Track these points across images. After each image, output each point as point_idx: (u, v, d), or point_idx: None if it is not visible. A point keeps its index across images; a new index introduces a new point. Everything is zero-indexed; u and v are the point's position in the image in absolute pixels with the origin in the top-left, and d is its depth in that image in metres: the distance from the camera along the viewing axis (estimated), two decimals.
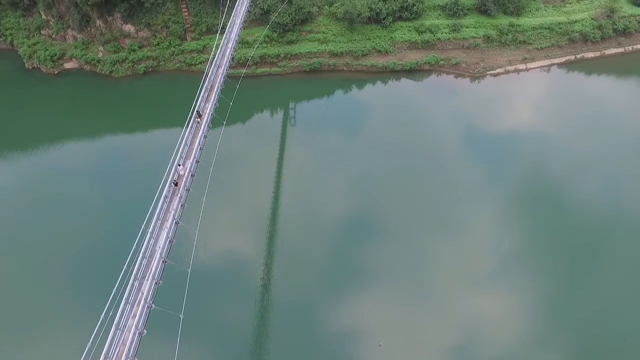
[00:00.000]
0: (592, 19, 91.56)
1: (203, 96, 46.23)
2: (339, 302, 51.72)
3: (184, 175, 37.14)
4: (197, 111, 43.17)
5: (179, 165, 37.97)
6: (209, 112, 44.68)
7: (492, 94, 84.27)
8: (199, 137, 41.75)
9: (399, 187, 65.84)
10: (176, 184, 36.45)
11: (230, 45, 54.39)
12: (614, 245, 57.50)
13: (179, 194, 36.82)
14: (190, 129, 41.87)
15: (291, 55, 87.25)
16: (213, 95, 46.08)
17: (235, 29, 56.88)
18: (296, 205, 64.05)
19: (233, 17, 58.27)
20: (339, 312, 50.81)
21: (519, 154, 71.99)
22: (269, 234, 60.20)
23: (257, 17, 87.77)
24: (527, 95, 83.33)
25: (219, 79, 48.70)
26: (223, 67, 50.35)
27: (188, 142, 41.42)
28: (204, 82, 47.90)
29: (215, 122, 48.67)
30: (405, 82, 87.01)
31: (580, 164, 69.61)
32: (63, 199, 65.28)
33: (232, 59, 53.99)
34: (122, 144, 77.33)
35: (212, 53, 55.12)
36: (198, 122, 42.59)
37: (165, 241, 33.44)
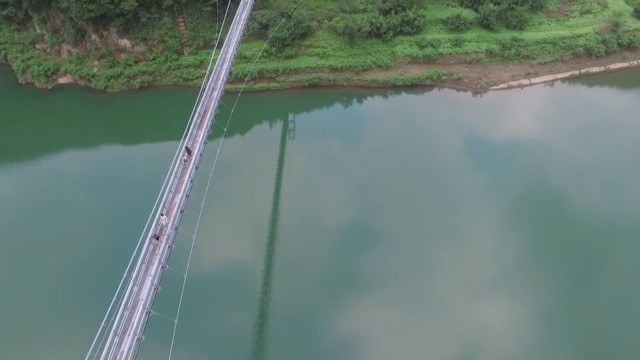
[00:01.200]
0: (596, 33, 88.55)
1: (195, 123, 42.76)
2: (340, 311, 50.09)
3: (168, 224, 33.43)
4: (185, 147, 39.52)
5: (162, 214, 34.16)
6: (202, 141, 41.19)
7: (495, 109, 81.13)
8: (190, 169, 38.21)
9: (400, 199, 63.39)
10: (157, 238, 32.77)
11: (225, 66, 51.00)
12: (617, 255, 55.82)
13: (165, 234, 33.37)
14: (181, 162, 38.28)
15: (290, 70, 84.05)
16: (206, 123, 42.55)
17: (231, 50, 53.47)
18: (296, 228, 60.68)
19: (229, 37, 54.80)
20: (339, 322, 49.23)
21: (523, 169, 69.06)
22: (268, 255, 56.87)
23: (256, 31, 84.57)
24: (531, 111, 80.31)
25: (213, 103, 45.22)
26: (217, 90, 46.90)
27: (178, 174, 37.85)
28: (196, 107, 44.50)
29: (210, 138, 45.61)
30: (406, 98, 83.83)
31: (584, 178, 66.89)
32: (47, 219, 61.66)
33: (227, 81, 50.57)
34: (116, 161, 73.92)
35: (207, 71, 51.76)
36: (185, 161, 38.77)
37: (150, 289, 29.99)
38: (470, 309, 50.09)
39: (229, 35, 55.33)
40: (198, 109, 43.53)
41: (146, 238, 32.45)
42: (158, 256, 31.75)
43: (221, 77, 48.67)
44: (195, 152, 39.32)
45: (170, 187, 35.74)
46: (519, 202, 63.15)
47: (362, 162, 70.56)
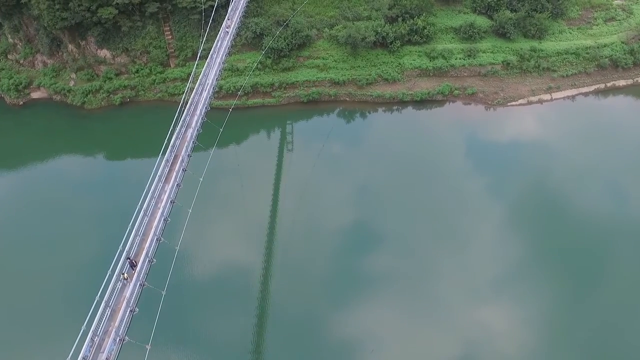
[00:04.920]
0: (623, 42, 77.89)
1: (162, 174, 31.96)
2: (341, 314, 46.77)
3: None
4: (127, 259, 27.82)
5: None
6: (167, 199, 30.39)
7: (514, 129, 70.56)
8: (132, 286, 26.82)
9: (409, 223, 56.39)
10: None
11: (204, 95, 40.13)
12: (620, 258, 51.69)
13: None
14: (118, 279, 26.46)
15: (287, 84, 73.36)
16: (174, 176, 31.70)
17: (213, 73, 42.52)
18: (296, 244, 54.08)
19: (208, 64, 43.51)
20: (340, 324, 46.09)
21: (541, 190, 60.79)
22: (267, 265, 51.47)
23: (249, 40, 73.76)
24: (554, 130, 69.94)
25: (186, 146, 34.38)
26: (193, 128, 36.12)
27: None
28: (165, 149, 33.82)
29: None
30: (415, 115, 73.32)
31: (611, 198, 58.97)
32: (14, 236, 55.10)
33: (206, 113, 39.80)
34: (94, 183, 63.86)
35: (182, 100, 41.20)
36: (126, 280, 26.91)
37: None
38: (473, 312, 46.98)
39: (209, 61, 44.08)
40: (166, 155, 32.74)
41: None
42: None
43: (198, 110, 37.87)
44: (140, 265, 27.17)
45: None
46: (533, 220, 56.73)
47: (368, 188, 61.51)
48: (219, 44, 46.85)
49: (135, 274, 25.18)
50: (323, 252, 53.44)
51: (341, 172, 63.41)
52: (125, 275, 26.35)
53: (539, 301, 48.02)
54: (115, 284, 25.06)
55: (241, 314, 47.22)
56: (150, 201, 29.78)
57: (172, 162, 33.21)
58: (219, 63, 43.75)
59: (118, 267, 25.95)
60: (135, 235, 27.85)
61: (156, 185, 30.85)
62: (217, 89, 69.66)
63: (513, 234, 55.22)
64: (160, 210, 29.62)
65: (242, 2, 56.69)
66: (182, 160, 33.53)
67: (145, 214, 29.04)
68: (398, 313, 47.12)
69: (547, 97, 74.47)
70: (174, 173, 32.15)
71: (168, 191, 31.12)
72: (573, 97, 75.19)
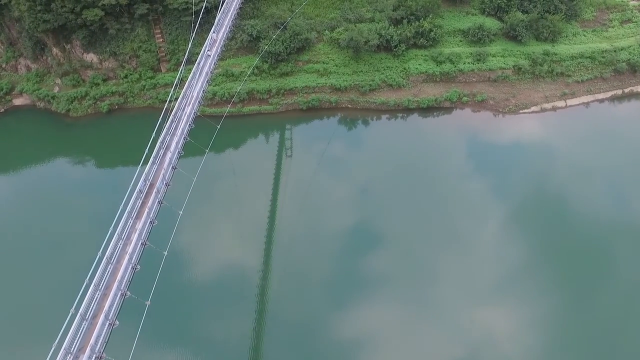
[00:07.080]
0: None
1: (133, 209, 26.31)
2: (341, 317, 44.91)
3: None
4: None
5: None
6: (135, 247, 24.70)
7: (528, 139, 64.85)
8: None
9: (410, 232, 52.71)
10: None
11: (187, 110, 34.38)
12: (622, 260, 49.16)
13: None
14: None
15: (285, 90, 67.73)
16: (146, 211, 25.99)
17: (198, 88, 36.76)
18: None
19: (192, 80, 37.58)
20: (340, 327, 44.16)
21: (553, 202, 55.99)
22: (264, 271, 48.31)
23: (245, 44, 68.12)
24: (570, 139, 64.28)
25: (163, 172, 28.70)
26: (172, 152, 30.44)
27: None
28: (141, 174, 28.21)
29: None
30: (421, 123, 67.80)
31: (631, 212, 54.24)
32: None
33: (187, 133, 34.17)
34: (78, 198, 58.18)
35: (162, 114, 35.69)
36: None
37: None
38: (476, 315, 45.16)
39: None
40: (139, 185, 27.11)
41: None
42: None
43: (180, 130, 32.22)
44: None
45: None
46: (543, 231, 52.76)
47: (372, 201, 56.63)
48: (199, 69, 40.62)
49: (89, 348, 19.55)
50: (327, 270, 49.42)
51: (343, 183, 58.32)
52: None
53: (543, 305, 45.96)
54: None
55: (240, 317, 44.67)
56: (116, 243, 24.15)
57: (145, 194, 27.53)
58: (197, 98, 37.79)
59: None
60: (95, 291, 22.26)
61: (125, 223, 25.19)
62: (210, 96, 64.64)
63: (522, 244, 51.25)
64: (127, 257, 23.98)
65: (233, 4, 50.78)
66: (158, 191, 27.86)
67: (108, 261, 23.45)
68: (399, 316, 45.26)
69: (561, 103, 68.90)
70: (147, 208, 26.49)
71: (139, 230, 25.47)
72: (589, 103, 69.63)
